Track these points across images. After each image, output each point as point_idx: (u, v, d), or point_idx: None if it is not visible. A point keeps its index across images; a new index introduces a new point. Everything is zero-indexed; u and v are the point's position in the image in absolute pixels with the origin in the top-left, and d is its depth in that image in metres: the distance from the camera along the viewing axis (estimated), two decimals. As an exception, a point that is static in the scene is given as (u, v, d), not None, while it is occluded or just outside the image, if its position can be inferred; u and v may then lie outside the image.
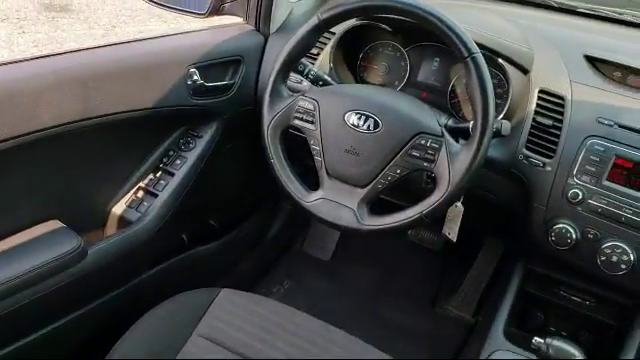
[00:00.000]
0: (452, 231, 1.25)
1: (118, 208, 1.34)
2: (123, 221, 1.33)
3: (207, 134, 1.40)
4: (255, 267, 1.88)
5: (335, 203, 1.08)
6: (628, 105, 1.11)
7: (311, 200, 1.10)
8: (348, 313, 1.78)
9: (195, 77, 1.29)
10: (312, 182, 1.14)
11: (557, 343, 1.01)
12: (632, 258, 1.07)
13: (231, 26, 1.46)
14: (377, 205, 1.09)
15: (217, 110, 1.39)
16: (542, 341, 1.02)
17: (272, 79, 1.13)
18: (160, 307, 1.10)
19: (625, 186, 1.07)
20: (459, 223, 1.23)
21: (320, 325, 1.08)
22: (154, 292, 1.20)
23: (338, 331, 1.07)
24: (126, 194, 1.35)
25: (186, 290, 1.15)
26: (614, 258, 1.08)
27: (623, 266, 1.08)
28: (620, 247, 1.08)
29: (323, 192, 1.10)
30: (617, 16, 1.43)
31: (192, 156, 1.38)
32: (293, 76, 1.27)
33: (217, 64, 1.35)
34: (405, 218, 1.03)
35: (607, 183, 1.08)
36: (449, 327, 1.75)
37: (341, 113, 1.07)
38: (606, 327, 1.32)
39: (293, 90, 1.16)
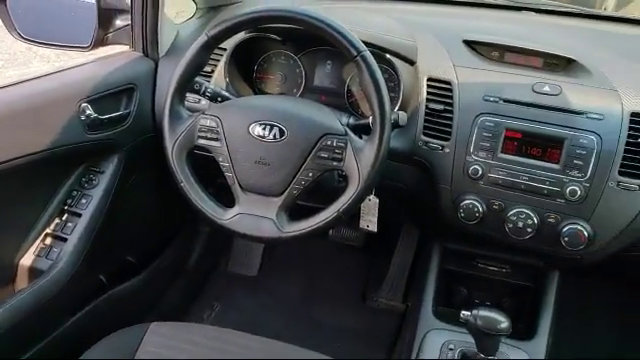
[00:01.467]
0: (371, 223, 1.29)
1: (26, 259, 1.26)
2: (34, 272, 1.25)
3: (109, 168, 1.35)
4: (182, 296, 1.84)
5: (253, 216, 1.08)
6: (508, 80, 1.20)
7: (228, 217, 1.10)
8: (282, 323, 1.78)
9: (88, 111, 1.25)
10: (228, 200, 1.13)
11: (483, 313, 1.06)
12: (536, 221, 1.15)
13: (119, 55, 1.42)
14: (296, 211, 1.11)
15: (116, 142, 1.35)
16: (469, 314, 1.07)
17: (168, 102, 1.11)
18: (87, 354, 1.04)
19: (518, 155, 1.15)
20: (376, 214, 1.27)
21: (256, 340, 1.07)
22: (79, 340, 1.14)
23: (275, 342, 1.07)
24: (33, 243, 1.27)
25: (113, 332, 1.10)
26: (520, 224, 1.16)
27: (529, 230, 1.16)
28: (524, 213, 1.16)
29: (239, 207, 1.10)
30: (492, 1, 1.54)
31: (97, 193, 1.32)
32: (190, 96, 1.26)
33: (109, 95, 1.31)
34: (324, 219, 1.05)
35: (502, 155, 1.16)
36: (382, 318, 1.80)
37: (245, 126, 1.07)
38: (524, 290, 1.41)
39: (192, 110, 1.15)
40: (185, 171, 1.12)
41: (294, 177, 1.06)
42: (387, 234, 1.92)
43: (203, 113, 1.11)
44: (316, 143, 1.04)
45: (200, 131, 1.10)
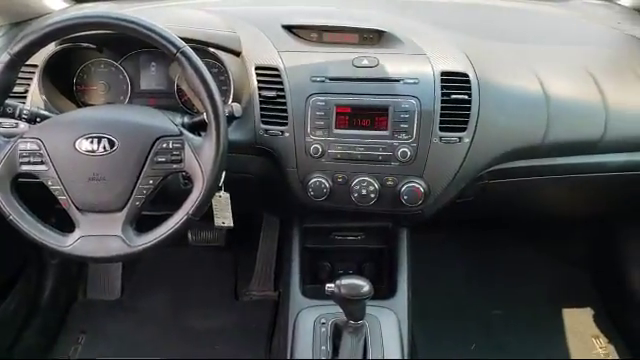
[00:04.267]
0: (226, 219, 1.29)
1: None
2: None
3: None
4: (41, 336, 1.69)
5: (97, 237, 1.03)
6: (331, 59, 1.25)
7: (70, 243, 1.03)
8: (156, 339, 1.72)
9: None
10: (72, 225, 1.06)
11: (345, 282, 1.11)
12: (377, 187, 1.23)
13: None
14: (146, 222, 1.07)
15: None
16: (332, 285, 1.12)
17: None
18: None
19: (351, 128, 1.21)
20: (230, 209, 1.27)
21: None
22: None
23: None
24: None
25: None
26: (364, 192, 1.23)
27: (372, 195, 1.23)
28: (365, 181, 1.23)
29: (80, 230, 1.03)
30: None
31: None
32: (5, 121, 1.16)
33: None
34: (174, 224, 1.03)
35: (337, 131, 1.21)
36: (258, 310, 1.81)
37: (70, 142, 1.01)
38: (380, 252, 1.50)
39: (10, 136, 1.05)
40: (12, 203, 1.02)
41: (134, 188, 1.02)
42: (248, 227, 1.93)
43: (21, 137, 1.02)
44: (151, 148, 1.01)
45: (22, 157, 1.01)
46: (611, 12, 1.54)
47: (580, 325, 1.81)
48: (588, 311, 1.85)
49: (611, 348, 1.73)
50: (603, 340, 1.76)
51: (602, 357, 1.70)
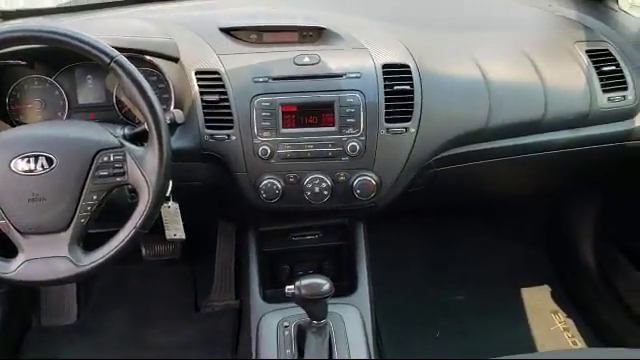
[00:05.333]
0: (177, 231, 1.26)
1: None
2: None
3: None
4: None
5: (43, 259, 0.99)
6: (272, 59, 1.23)
7: (14, 268, 0.99)
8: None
9: None
10: (13, 249, 1.01)
11: (305, 282, 1.10)
12: (330, 183, 1.22)
13: None
14: (96, 241, 1.03)
15: None
16: (292, 287, 1.10)
17: None
18: None
19: (298, 127, 1.20)
20: (180, 220, 1.24)
21: None
22: None
23: None
24: None
25: None
26: (316, 189, 1.22)
27: (325, 192, 1.22)
28: (317, 178, 1.22)
29: (24, 254, 0.99)
30: None
31: None
32: None
33: None
34: (123, 239, 1.00)
35: (284, 130, 1.20)
36: (220, 320, 1.78)
37: (5, 164, 0.96)
38: (339, 249, 1.49)
39: None
40: None
41: (77, 205, 0.98)
42: (203, 236, 1.90)
43: None
44: (91, 163, 0.98)
45: None
46: (542, -5, 1.59)
47: (539, 302, 1.86)
48: (546, 288, 1.90)
49: (570, 322, 1.77)
50: (562, 315, 1.80)
51: (562, 331, 1.75)
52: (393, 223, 1.84)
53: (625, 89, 1.37)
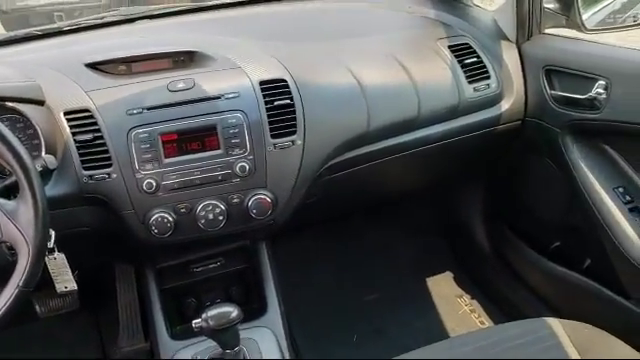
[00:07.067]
0: (68, 282, 1.17)
1: None
2: None
3: None
4: None
5: None
6: (145, 89, 1.19)
7: None
8: None
9: None
10: None
11: (211, 312, 1.06)
12: (224, 207, 1.20)
13: None
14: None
15: None
16: (199, 320, 1.07)
17: None
18: None
19: (182, 155, 1.17)
20: (69, 271, 1.16)
21: None
22: None
23: None
24: None
25: None
26: (210, 216, 1.19)
27: (221, 217, 1.19)
28: (210, 204, 1.19)
29: None
30: (100, 21, 1.50)
31: None
32: None
33: None
34: (6, 300, 0.93)
35: (168, 160, 1.16)
36: (132, 366, 1.68)
37: None
38: (245, 272, 1.47)
39: None
40: None
41: None
42: (101, 281, 1.79)
43: None
44: None
45: None
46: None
47: (445, 289, 1.94)
48: (449, 274, 1.99)
49: (475, 303, 1.86)
50: (467, 297, 1.89)
51: (469, 313, 1.83)
52: (297, 235, 1.84)
53: (488, 78, 1.47)
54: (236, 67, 1.24)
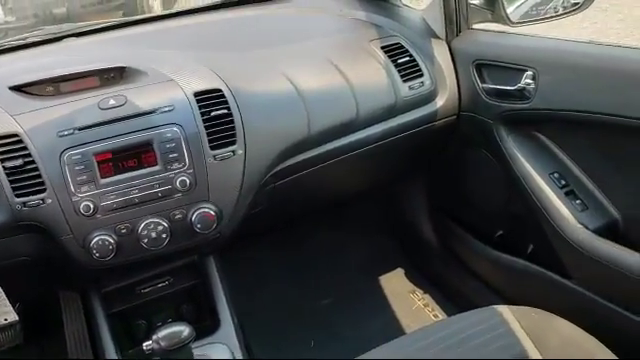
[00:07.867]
0: (7, 314, 1.11)
1: None
2: None
3: None
4: None
5: None
6: (74, 109, 1.15)
7: None
8: None
9: None
10: None
11: (162, 333, 1.03)
12: (166, 225, 1.17)
13: None
14: None
15: None
16: (150, 342, 1.04)
17: None
18: None
19: (118, 174, 1.14)
20: (7, 303, 1.10)
21: None
22: None
23: None
24: None
25: None
26: (153, 235, 1.16)
27: (164, 235, 1.17)
28: (152, 223, 1.16)
29: None
30: (23, 42, 1.45)
31: None
32: None
33: None
34: None
35: (104, 180, 1.12)
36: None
37: None
38: (194, 289, 1.44)
39: None
40: None
41: None
42: (45, 310, 1.72)
43: None
44: None
45: None
46: (332, 2, 1.67)
47: (397, 286, 1.95)
48: (400, 271, 2.01)
49: (427, 297, 1.89)
50: (419, 292, 1.92)
51: (422, 308, 1.86)
52: (246, 246, 1.82)
53: (422, 76, 1.49)
54: (168, 80, 1.22)
